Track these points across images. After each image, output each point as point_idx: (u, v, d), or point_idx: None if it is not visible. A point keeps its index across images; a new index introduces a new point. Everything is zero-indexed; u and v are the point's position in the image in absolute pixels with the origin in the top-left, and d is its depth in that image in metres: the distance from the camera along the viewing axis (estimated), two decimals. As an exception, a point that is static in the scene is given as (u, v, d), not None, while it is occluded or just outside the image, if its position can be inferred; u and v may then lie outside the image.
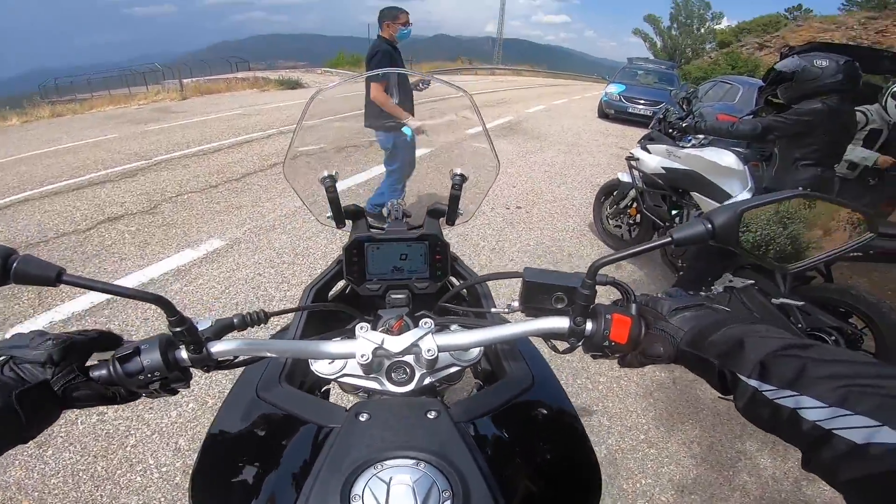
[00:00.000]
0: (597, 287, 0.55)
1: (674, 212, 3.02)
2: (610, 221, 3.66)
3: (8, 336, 0.49)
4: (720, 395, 0.46)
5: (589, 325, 0.55)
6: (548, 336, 0.58)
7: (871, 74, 3.09)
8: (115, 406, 1.96)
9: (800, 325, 2.21)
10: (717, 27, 29.62)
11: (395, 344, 0.58)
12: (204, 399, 2.03)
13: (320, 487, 0.46)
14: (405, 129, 2.72)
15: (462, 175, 0.86)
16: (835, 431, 0.34)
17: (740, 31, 25.63)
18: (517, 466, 0.62)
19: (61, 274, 0.45)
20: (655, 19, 31.78)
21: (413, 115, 2.57)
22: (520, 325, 0.57)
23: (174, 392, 0.55)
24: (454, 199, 0.87)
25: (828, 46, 2.71)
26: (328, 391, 0.83)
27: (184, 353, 0.52)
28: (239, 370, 0.68)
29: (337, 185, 0.84)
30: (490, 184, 0.96)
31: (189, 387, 0.55)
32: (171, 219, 3.83)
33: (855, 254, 2.07)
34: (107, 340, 0.53)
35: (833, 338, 2.13)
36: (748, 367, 0.42)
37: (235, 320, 0.59)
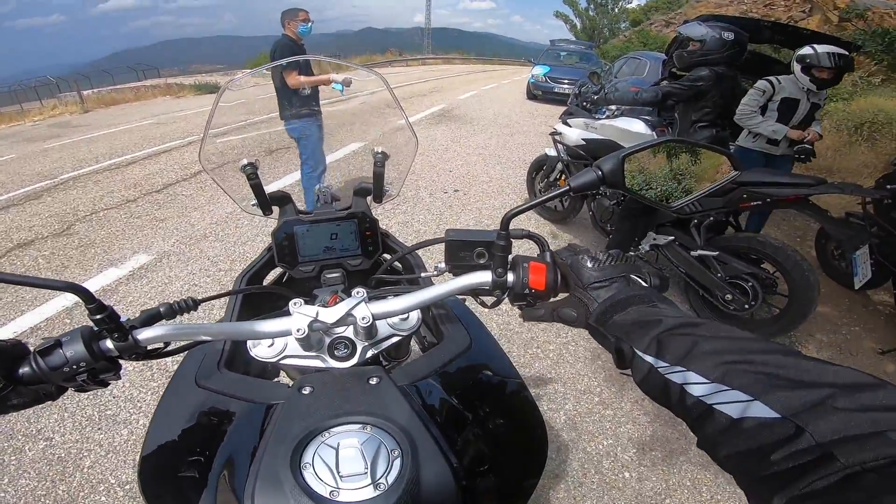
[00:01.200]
0: (513, 240, 0.59)
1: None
2: (543, 194, 3.82)
3: None
4: (619, 370, 0.50)
5: (510, 277, 0.58)
6: (475, 291, 0.61)
7: (757, 44, 3.38)
8: (62, 426, 1.87)
9: (719, 275, 2.40)
10: (628, 6, 31.09)
11: (330, 315, 0.58)
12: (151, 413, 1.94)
13: (269, 461, 0.46)
14: (335, 86, 2.97)
15: (383, 153, 0.87)
16: (715, 406, 0.36)
17: (649, 10, 27.04)
18: (463, 425, 0.63)
19: None
20: (574, 2, 32.89)
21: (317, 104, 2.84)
22: (447, 284, 0.60)
23: (105, 384, 0.54)
24: (378, 177, 0.88)
25: (717, 18, 2.95)
26: (272, 377, 0.82)
27: (109, 343, 0.51)
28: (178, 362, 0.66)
29: (258, 172, 0.82)
30: (411, 159, 0.97)
31: (120, 377, 0.54)
32: (88, 239, 3.54)
33: (755, 203, 2.29)
34: (23, 348, 0.51)
35: (749, 283, 2.33)
36: (645, 343, 0.45)
37: (162, 309, 0.58)
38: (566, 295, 0.59)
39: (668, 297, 0.53)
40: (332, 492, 0.44)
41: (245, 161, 0.81)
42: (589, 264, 0.58)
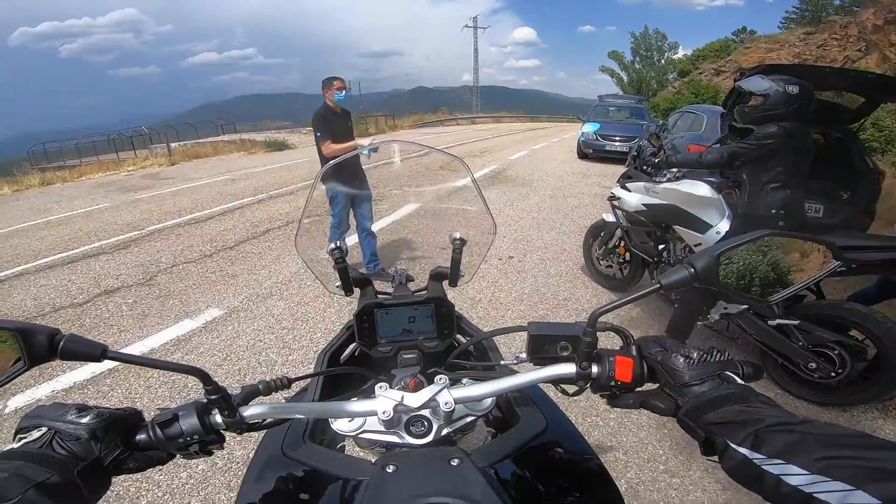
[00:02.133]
0: (598, 334, 0.60)
1: (660, 246, 3.04)
2: (601, 262, 3.71)
3: (46, 405, 0.53)
4: (704, 455, 0.50)
5: (595, 369, 0.60)
6: (557, 381, 0.63)
7: (820, 91, 3.21)
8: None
9: (800, 344, 2.24)
10: (675, 57, 31.00)
11: (414, 400, 0.62)
12: (213, 460, 2.01)
13: None
14: (363, 151, 2.91)
15: (461, 239, 0.91)
16: (815, 495, 0.37)
17: (696, 59, 26.81)
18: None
19: (106, 351, 0.49)
20: (618, 55, 33.08)
21: (361, 173, 2.80)
22: (531, 374, 0.62)
23: (210, 453, 0.59)
24: (455, 263, 0.91)
25: (775, 68, 2.79)
26: (343, 447, 0.85)
27: (218, 418, 0.57)
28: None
29: (346, 256, 0.88)
30: (488, 246, 1.01)
31: (223, 448, 0.59)
32: (168, 290, 3.84)
33: (840, 269, 2.10)
34: (137, 416, 0.57)
35: (836, 352, 2.16)
36: (741, 437, 0.45)
37: (261, 386, 0.62)
38: (653, 386, 0.59)
39: (766, 396, 0.52)
40: None
41: (332, 245, 0.87)
42: (681, 361, 0.57)
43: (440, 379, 0.65)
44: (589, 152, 10.62)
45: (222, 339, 3.02)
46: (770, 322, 2.32)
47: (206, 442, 0.57)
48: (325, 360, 0.86)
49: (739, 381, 0.56)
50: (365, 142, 3.35)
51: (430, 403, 0.62)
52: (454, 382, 0.68)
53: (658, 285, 0.56)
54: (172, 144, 15.18)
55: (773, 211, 2.43)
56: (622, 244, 3.43)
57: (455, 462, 0.56)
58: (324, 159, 3.48)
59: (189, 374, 0.54)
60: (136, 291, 3.84)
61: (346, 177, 2.95)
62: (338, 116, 3.64)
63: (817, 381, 2.26)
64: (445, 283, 0.93)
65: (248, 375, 2.63)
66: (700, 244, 2.67)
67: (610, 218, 3.43)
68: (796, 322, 2.24)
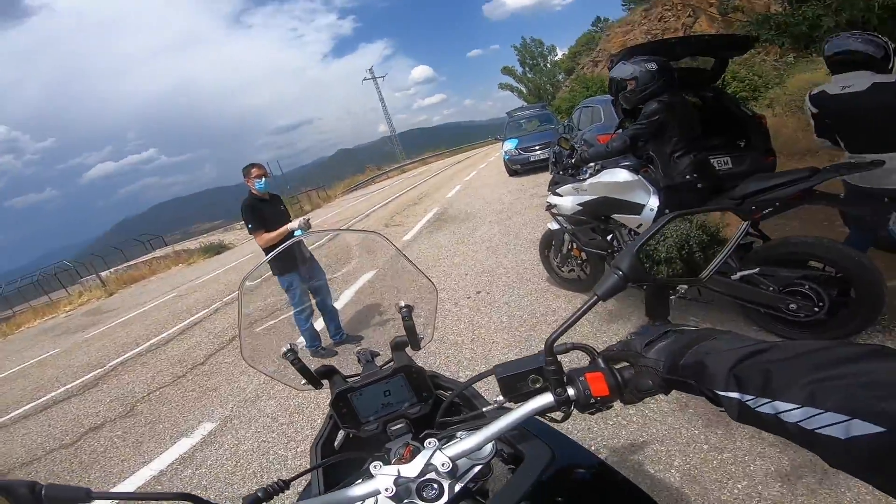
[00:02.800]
0: (560, 357, 0.62)
1: (608, 237, 3.14)
2: (562, 269, 3.79)
3: None
4: (720, 410, 0.47)
5: (570, 392, 0.60)
6: (541, 413, 0.63)
7: (676, 60, 3.29)
8: None
9: (770, 289, 2.28)
10: (556, 59, 32.92)
11: (411, 470, 0.63)
12: None
13: None
14: (297, 232, 3.20)
15: (408, 306, 0.93)
16: (817, 431, 0.35)
17: (574, 56, 28.56)
18: None
19: (90, 492, 0.49)
20: (510, 70, 34.01)
21: (309, 258, 2.76)
22: (514, 413, 0.62)
23: None
24: (410, 329, 0.93)
25: (636, 49, 3.08)
26: None
27: None
28: None
29: (299, 353, 0.89)
30: (434, 305, 1.01)
31: None
32: (153, 416, 3.71)
33: (767, 211, 2.24)
34: None
35: (806, 286, 2.20)
36: (722, 381, 0.44)
37: (260, 494, 0.63)
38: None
39: (726, 329, 0.53)
40: None
41: (284, 349, 0.88)
42: (636, 338, 0.60)
43: (430, 443, 0.66)
44: (517, 168, 10.88)
45: (226, 449, 2.95)
46: (733, 277, 2.37)
47: None
48: (318, 452, 0.86)
49: (692, 326, 0.58)
50: (294, 224, 3.35)
51: (429, 468, 0.63)
52: (449, 439, 0.69)
53: (595, 297, 0.58)
54: (103, 273, 14.41)
55: (688, 176, 2.62)
56: (574, 247, 3.50)
57: None
58: (267, 250, 3.40)
59: (180, 500, 0.55)
60: (121, 423, 3.72)
61: (294, 262, 2.87)
62: (267, 203, 3.57)
63: (808, 321, 2.25)
64: (409, 350, 0.94)
65: (264, 475, 2.58)
66: (641, 224, 2.78)
67: (554, 226, 3.53)
68: (756, 269, 2.30)
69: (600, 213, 3.04)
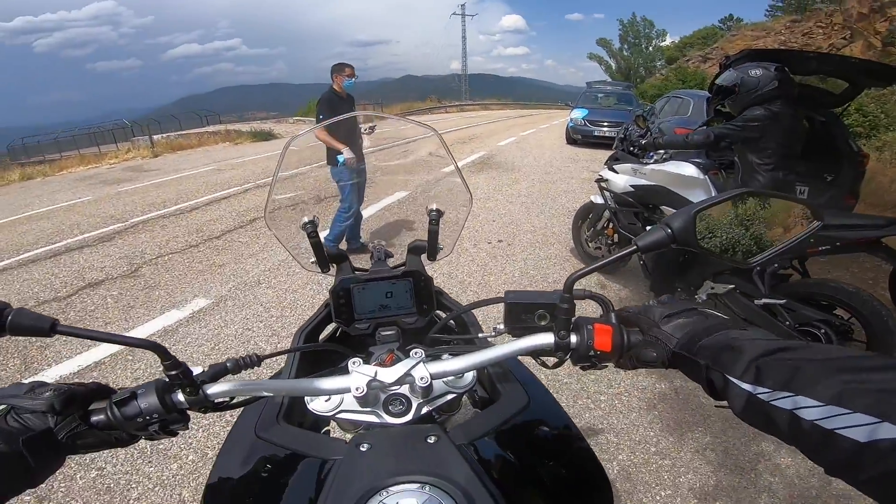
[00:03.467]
0: (576, 302, 0.58)
1: (647, 227, 3.12)
2: (590, 244, 3.75)
3: (6, 385, 0.50)
4: (716, 403, 0.47)
5: (573, 338, 0.57)
6: (536, 353, 0.60)
7: (804, 75, 3.27)
8: (114, 457, 1.94)
9: (787, 323, 2.25)
10: (662, 44, 31.23)
11: (388, 375, 0.59)
12: (203, 451, 1.99)
13: None
14: (338, 157, 3.32)
15: (438, 210, 0.88)
16: (837, 431, 0.34)
17: (684, 46, 27.00)
18: (523, 484, 0.62)
19: (55, 325, 0.46)
20: (607, 43, 33.44)
21: (360, 153, 3.25)
22: (507, 346, 0.59)
23: (174, 433, 0.57)
24: (433, 235, 0.88)
25: (759, 53, 2.85)
26: (328, 431, 0.82)
27: (181, 396, 0.54)
28: (237, 413, 0.69)
29: (318, 229, 0.84)
30: (465, 217, 0.98)
31: (188, 428, 0.57)
32: (154, 281, 3.79)
33: (823, 248, 2.17)
34: (103, 391, 0.55)
35: (822, 331, 2.18)
36: (740, 369, 0.42)
37: (229, 364, 0.59)
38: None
39: (755, 325, 0.51)
40: None
41: (305, 219, 0.82)
42: (658, 306, 0.57)
43: (416, 353, 0.62)
44: (577, 138, 10.64)
45: (210, 329, 2.98)
46: (756, 301, 2.34)
47: (168, 421, 0.54)
48: (301, 338, 0.83)
49: (719, 314, 0.54)
50: (345, 153, 3.38)
51: (406, 379, 0.59)
52: (433, 358, 0.66)
53: (635, 247, 0.54)
54: (155, 137, 14.82)
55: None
56: (610, 226, 3.44)
57: (431, 440, 0.54)
58: (330, 150, 3.53)
59: (146, 349, 0.51)
60: (121, 283, 3.78)
61: (350, 142, 3.21)
62: (343, 102, 3.76)
63: None
64: (424, 258, 0.90)
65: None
66: None
67: (598, 200, 3.45)
68: (783, 301, 2.26)
69: (650, 201, 3.01)
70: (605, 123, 10.25)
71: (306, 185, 4.44)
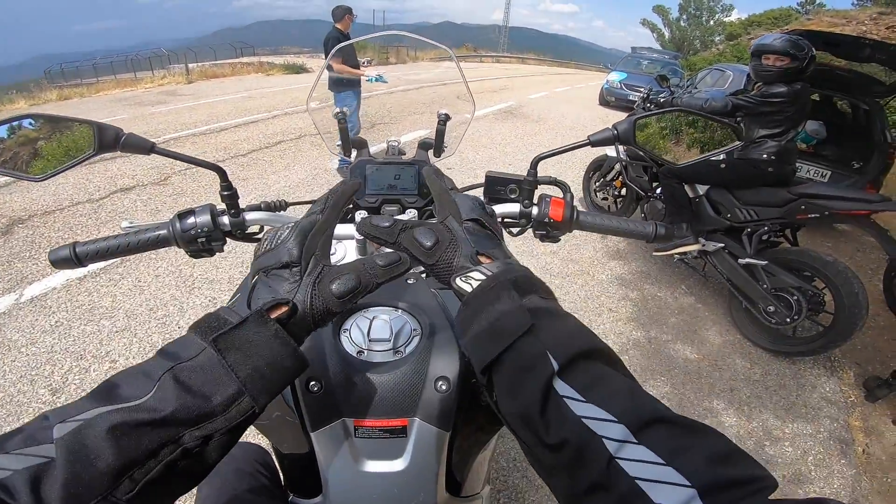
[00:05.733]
0: (540, 185, 0.73)
1: (654, 184, 3.19)
2: (597, 194, 3.88)
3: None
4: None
5: (534, 210, 0.72)
6: (505, 218, 0.75)
7: (854, 62, 3.17)
8: (126, 350, 2.18)
9: (764, 286, 2.37)
10: (726, 19, 29.25)
11: (383, 221, 0.73)
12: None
13: None
14: (370, 78, 3.98)
15: (446, 114, 1.02)
16: (601, 435, 0.32)
17: (750, 24, 25.09)
18: None
19: (154, 146, 0.62)
20: (664, 10, 31.45)
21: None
22: None
23: (211, 252, 0.71)
24: (440, 134, 1.03)
25: (809, 34, 2.83)
26: None
27: (226, 219, 0.69)
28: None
29: (347, 119, 1.01)
30: (468, 123, 1.11)
31: (223, 250, 0.72)
32: (181, 189, 4.05)
33: (813, 215, 2.25)
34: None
35: (795, 297, 2.29)
36: (561, 353, 0.38)
37: (262, 205, 0.75)
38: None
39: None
40: (359, 351, 0.56)
41: (338, 109, 0.99)
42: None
43: (409, 212, 0.79)
44: (611, 100, 10.35)
45: None
46: (741, 260, 2.46)
47: (211, 238, 0.68)
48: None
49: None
50: (372, 72, 4.00)
51: (398, 224, 0.75)
52: (422, 215, 0.82)
53: (587, 140, 0.69)
54: (191, 65, 14.92)
55: (765, 156, 2.51)
56: (619, 178, 3.56)
57: (411, 281, 0.67)
58: (332, 72, 3.85)
59: (211, 170, 0.66)
60: (150, 190, 4.04)
61: (353, 89, 3.95)
62: (345, 39, 4.12)
63: (774, 328, 2.41)
64: (431, 154, 1.04)
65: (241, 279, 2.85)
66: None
67: (612, 153, 3.53)
68: (764, 262, 2.36)
69: (658, 159, 3.03)
70: (643, 88, 9.87)
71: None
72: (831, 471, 1.91)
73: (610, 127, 0.69)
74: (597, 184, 3.87)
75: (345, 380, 0.53)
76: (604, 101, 10.62)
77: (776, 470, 1.86)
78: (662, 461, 0.29)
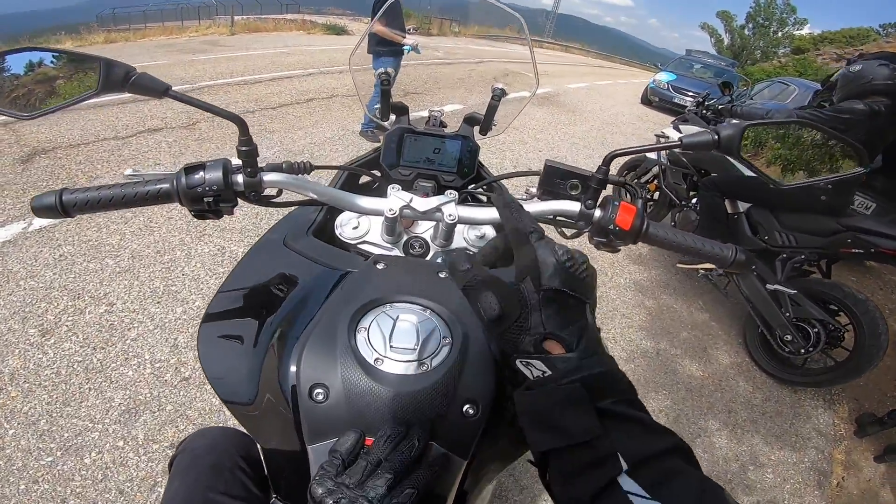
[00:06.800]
0: (608, 184, 0.62)
1: (691, 192, 3.07)
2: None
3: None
4: None
5: (598, 212, 0.60)
6: (560, 216, 0.65)
7: None
8: (126, 294, 2.11)
9: (787, 314, 2.26)
10: (796, 33, 27.97)
11: (422, 204, 0.63)
12: (211, 297, 2.19)
13: (330, 316, 0.49)
14: (406, 48, 3.68)
15: (503, 89, 0.92)
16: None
17: (821, 40, 23.99)
18: None
19: (169, 89, 0.53)
20: (728, 16, 30.26)
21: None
22: (535, 204, 0.63)
23: (219, 214, 0.61)
24: (491, 110, 0.92)
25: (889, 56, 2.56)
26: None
27: (240, 178, 0.59)
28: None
29: (391, 80, 0.90)
30: (527, 100, 1.01)
31: (232, 213, 0.61)
32: (207, 135, 4.04)
33: (857, 250, 2.11)
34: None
35: (815, 329, 2.20)
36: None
37: (283, 165, 0.64)
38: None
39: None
40: (377, 359, 0.46)
41: (382, 70, 0.90)
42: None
43: (450, 193, 0.66)
44: (654, 100, 10.01)
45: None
46: (768, 286, 2.34)
47: (221, 198, 0.58)
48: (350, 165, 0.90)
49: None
50: (409, 41, 3.73)
51: (435, 213, 0.63)
52: (463, 202, 0.71)
53: (679, 141, 0.58)
54: (236, 17, 15.02)
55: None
56: (654, 181, 3.44)
57: (443, 276, 0.57)
58: (371, 35, 3.69)
59: (230, 121, 0.56)
60: (177, 133, 4.04)
61: (394, 56, 3.66)
62: (397, 3, 3.85)
63: (786, 357, 2.34)
64: (476, 130, 0.95)
65: (266, 221, 2.78)
66: None
67: (651, 155, 3.38)
68: (792, 292, 2.25)
69: (703, 166, 3.01)
70: (691, 93, 9.46)
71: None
72: (803, 500, 1.89)
73: (709, 130, 0.58)
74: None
75: (355, 392, 0.45)
76: (646, 100, 10.29)
77: (752, 495, 1.86)
78: None
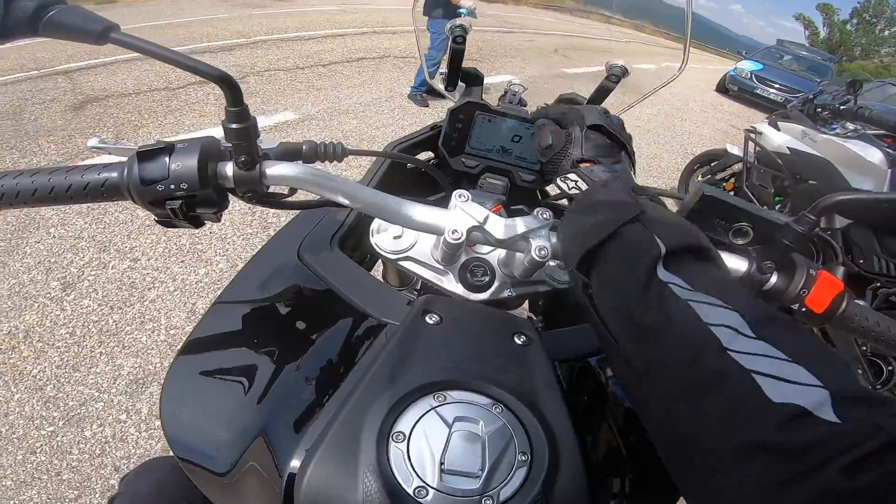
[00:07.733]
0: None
1: (777, 198, 2.75)
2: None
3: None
4: None
5: (774, 278, 0.41)
6: None
7: None
8: (152, 250, 1.98)
9: (864, 347, 2.04)
10: None
11: (501, 229, 0.42)
12: (236, 260, 2.03)
13: (357, 404, 0.33)
14: (463, 10, 3.33)
15: (623, 67, 0.69)
16: (713, 325, 0.29)
17: None
18: (614, 433, 0.44)
19: (111, 30, 0.33)
20: (830, 9, 27.96)
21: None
22: None
23: (197, 223, 0.40)
24: (605, 92, 0.69)
25: None
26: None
27: (228, 169, 0.39)
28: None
29: (467, 38, 0.66)
30: (661, 85, 0.78)
31: (219, 219, 0.41)
32: (255, 89, 3.94)
33: None
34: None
35: (891, 367, 1.99)
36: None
37: (305, 147, 0.44)
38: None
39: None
40: (419, 489, 0.30)
41: (458, 21, 0.66)
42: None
43: (544, 214, 0.44)
44: (732, 89, 9.17)
45: (286, 138, 3.13)
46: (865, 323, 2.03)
47: (198, 199, 0.37)
48: (393, 147, 0.68)
49: None
50: (467, 3, 3.41)
51: (519, 242, 0.42)
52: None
53: None
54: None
55: None
56: (732, 180, 3.09)
57: (520, 341, 0.40)
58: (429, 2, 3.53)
59: (215, 82, 0.35)
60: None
61: (446, 15, 3.35)
62: None
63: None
64: None
65: None
66: None
67: (734, 150, 3.07)
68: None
69: (801, 172, 2.67)
70: (777, 86, 8.68)
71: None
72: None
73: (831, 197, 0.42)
74: (702, 179, 3.34)
75: None
76: (723, 88, 9.46)
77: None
78: (788, 358, 0.24)
